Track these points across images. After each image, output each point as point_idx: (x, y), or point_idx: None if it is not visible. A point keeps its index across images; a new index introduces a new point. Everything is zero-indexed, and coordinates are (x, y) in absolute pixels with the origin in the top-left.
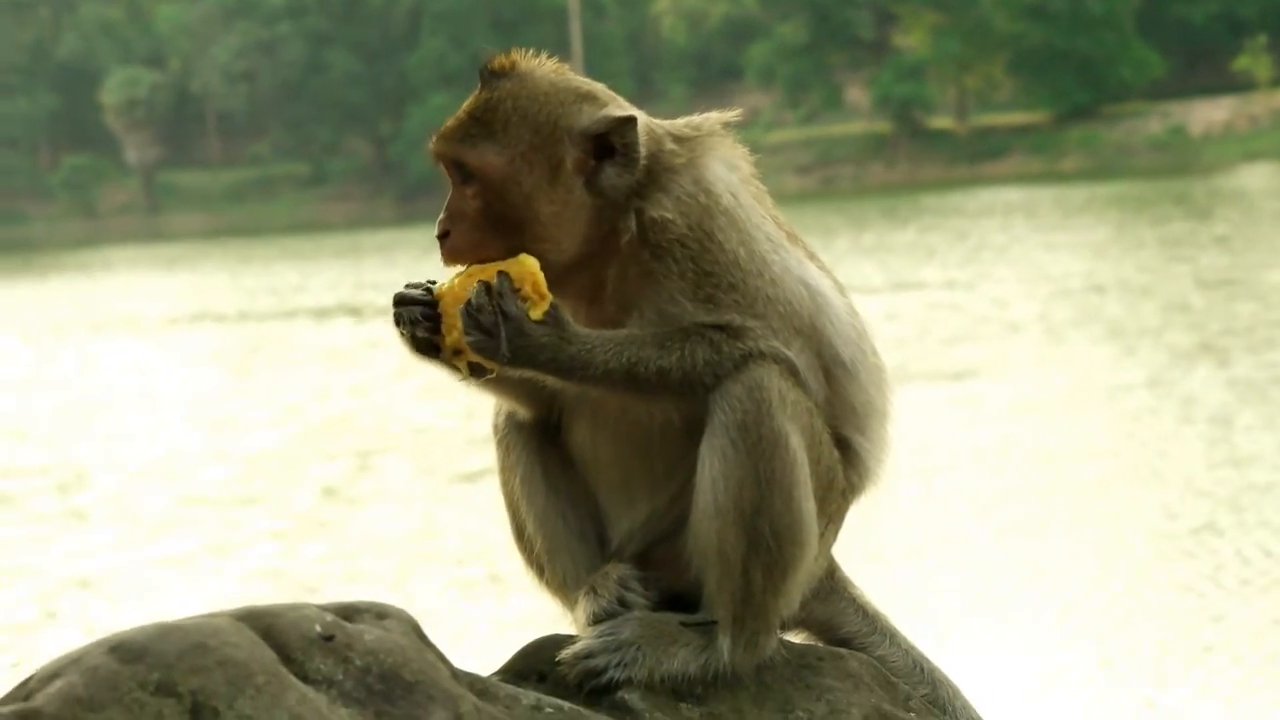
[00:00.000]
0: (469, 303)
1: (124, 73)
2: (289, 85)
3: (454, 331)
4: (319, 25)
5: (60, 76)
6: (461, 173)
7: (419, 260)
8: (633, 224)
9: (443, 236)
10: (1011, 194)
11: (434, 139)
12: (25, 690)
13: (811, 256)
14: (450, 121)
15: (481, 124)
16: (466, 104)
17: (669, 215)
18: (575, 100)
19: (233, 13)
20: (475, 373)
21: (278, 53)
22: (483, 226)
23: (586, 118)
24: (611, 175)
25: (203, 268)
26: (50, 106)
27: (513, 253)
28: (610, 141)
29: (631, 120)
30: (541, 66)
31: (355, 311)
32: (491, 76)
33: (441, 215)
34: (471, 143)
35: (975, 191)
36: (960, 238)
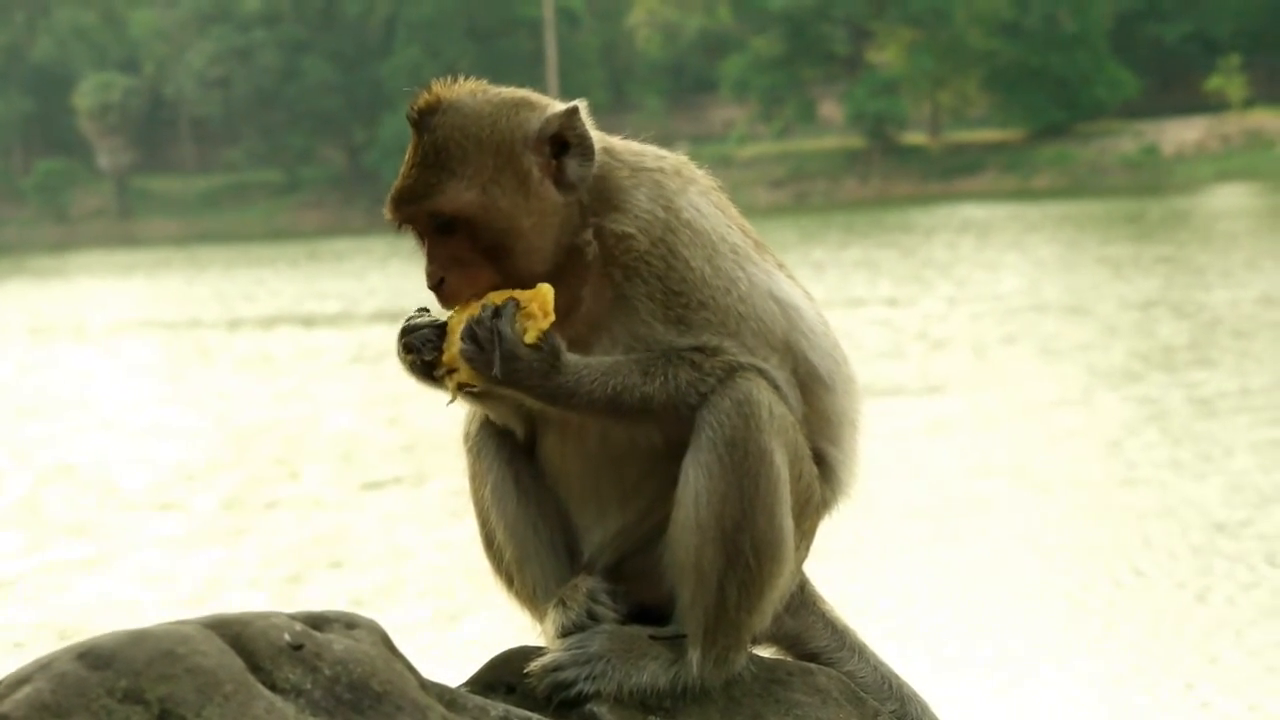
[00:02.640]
0: (471, 317)
1: (98, 77)
2: (263, 92)
3: (452, 348)
4: (294, 33)
5: (34, 80)
6: (437, 223)
7: (373, 268)
8: (592, 238)
9: (438, 285)
10: (972, 211)
11: (394, 205)
12: None
13: (779, 266)
14: (402, 182)
15: (438, 169)
16: (410, 157)
17: (629, 230)
18: (515, 110)
19: (208, 19)
20: (463, 391)
21: (252, 59)
22: (476, 263)
23: (535, 122)
24: (575, 168)
25: (159, 274)
26: (23, 110)
27: (508, 277)
28: (564, 137)
29: (575, 110)
30: (464, 89)
31: (304, 321)
32: (423, 117)
33: (429, 267)
34: (438, 191)
35: (939, 208)
36: (908, 254)
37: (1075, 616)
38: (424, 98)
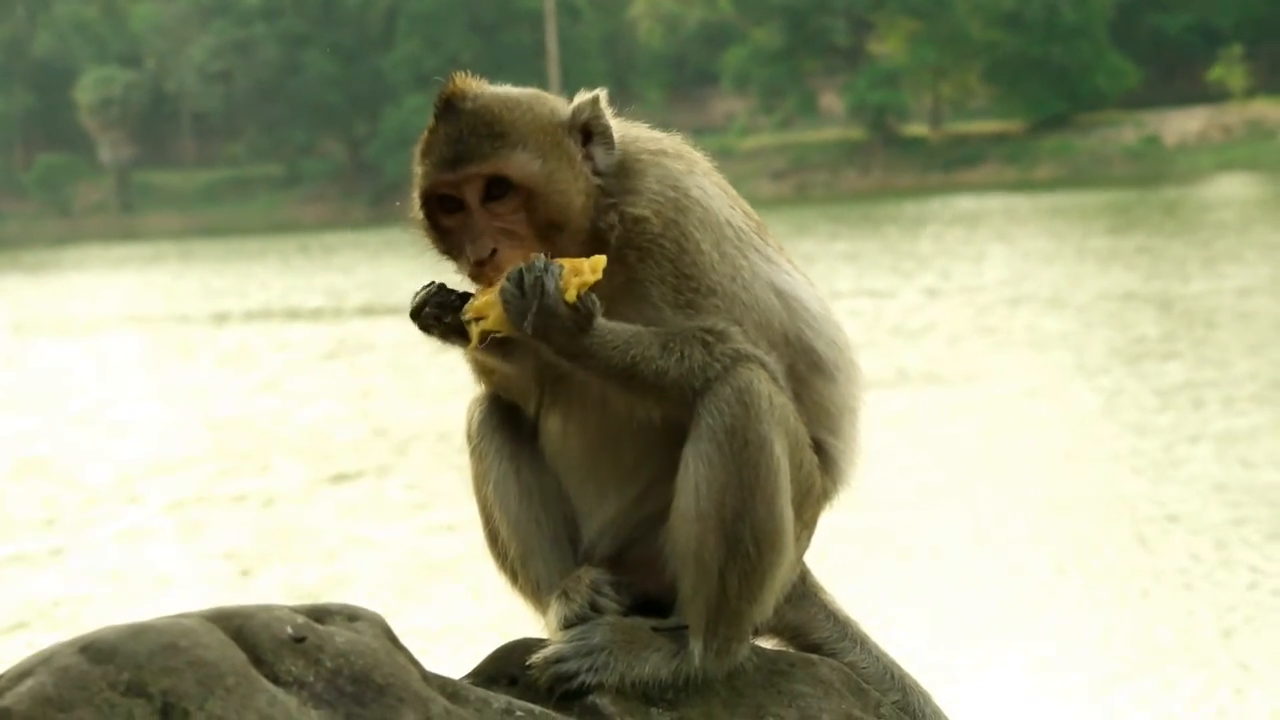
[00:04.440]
0: (522, 263)
1: (99, 72)
2: (264, 86)
3: (485, 293)
4: (295, 26)
5: (35, 75)
6: (494, 191)
7: (363, 263)
8: (616, 221)
9: (490, 255)
10: (965, 203)
11: (451, 165)
12: None
13: (780, 249)
14: (454, 149)
15: (496, 138)
16: (450, 132)
17: (644, 212)
18: (541, 100)
19: (208, 13)
20: (484, 343)
21: (253, 53)
22: (527, 238)
23: (568, 110)
24: (602, 155)
25: (151, 269)
26: (25, 105)
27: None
28: (590, 126)
29: (598, 99)
30: (479, 82)
31: (289, 315)
32: (452, 102)
33: (479, 239)
34: (504, 156)
35: (938, 200)
36: (895, 246)
37: (1016, 609)
38: (450, 86)
